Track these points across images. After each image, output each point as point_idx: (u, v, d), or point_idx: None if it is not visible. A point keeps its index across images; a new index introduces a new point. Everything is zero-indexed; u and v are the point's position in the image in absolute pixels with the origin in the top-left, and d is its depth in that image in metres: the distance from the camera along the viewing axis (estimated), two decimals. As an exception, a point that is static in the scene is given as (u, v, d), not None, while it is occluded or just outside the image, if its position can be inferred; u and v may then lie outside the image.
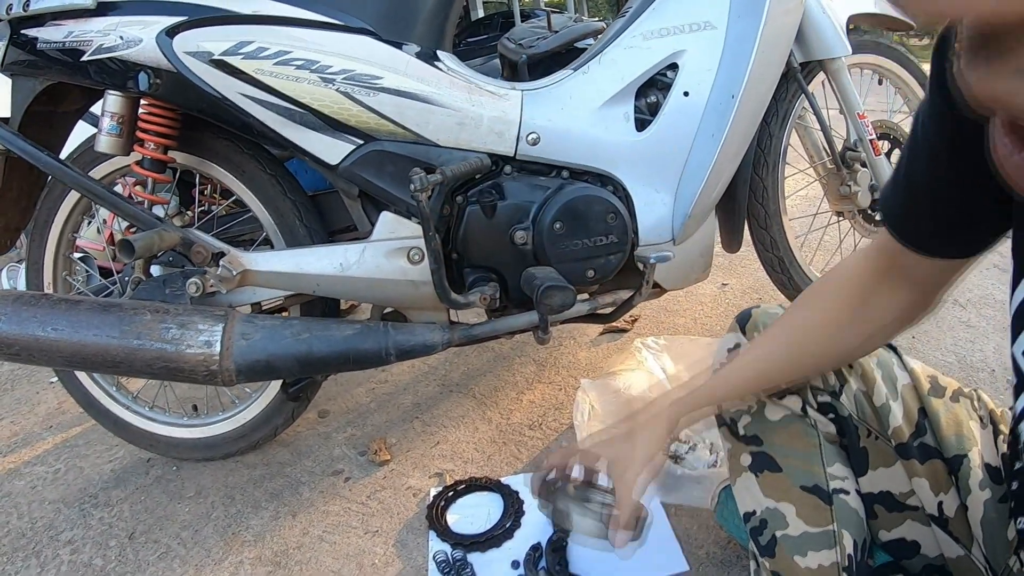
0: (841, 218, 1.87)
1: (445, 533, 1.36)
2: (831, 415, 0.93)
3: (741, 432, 0.95)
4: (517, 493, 1.43)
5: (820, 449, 0.91)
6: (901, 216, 0.73)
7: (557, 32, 1.89)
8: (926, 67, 1.92)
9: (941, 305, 0.85)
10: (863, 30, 1.86)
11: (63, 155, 1.61)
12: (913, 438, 0.89)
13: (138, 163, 1.46)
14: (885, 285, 0.83)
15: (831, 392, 0.92)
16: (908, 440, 0.89)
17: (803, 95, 1.70)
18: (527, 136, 1.40)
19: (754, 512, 0.91)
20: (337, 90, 1.31)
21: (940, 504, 0.88)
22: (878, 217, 1.84)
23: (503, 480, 1.48)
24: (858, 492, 0.91)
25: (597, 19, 2.13)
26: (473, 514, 1.41)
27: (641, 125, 1.45)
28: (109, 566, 1.44)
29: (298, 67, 1.30)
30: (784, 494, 0.89)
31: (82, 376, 1.71)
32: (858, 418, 0.91)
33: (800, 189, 2.05)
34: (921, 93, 1.94)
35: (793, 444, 0.91)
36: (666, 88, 1.47)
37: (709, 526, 1.32)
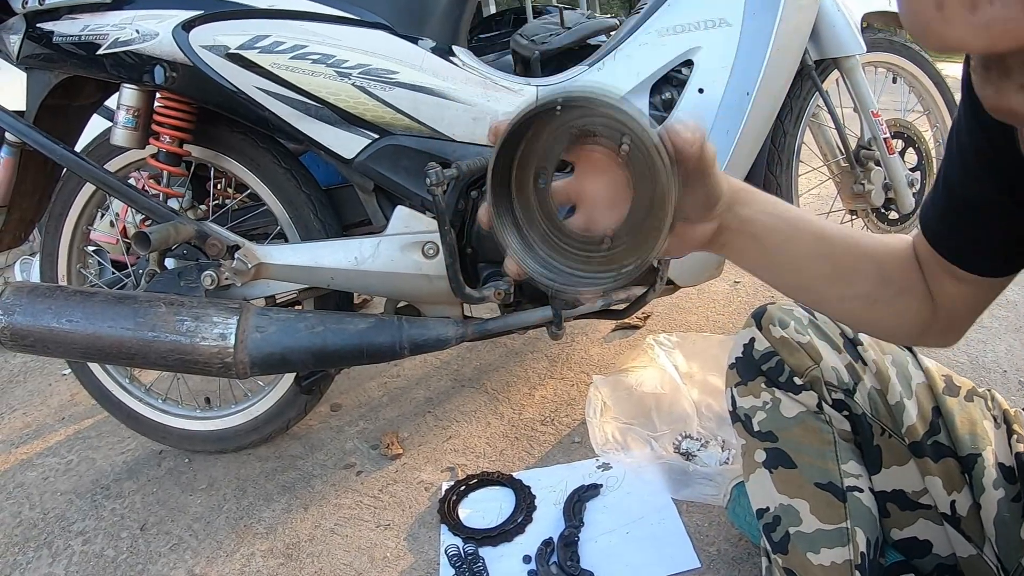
0: (855, 216, 1.87)
1: (457, 527, 1.36)
2: (845, 412, 0.92)
3: (756, 428, 0.94)
4: (529, 488, 1.43)
5: (835, 446, 0.91)
6: (939, 226, 0.68)
7: (570, 28, 1.89)
8: (940, 66, 1.92)
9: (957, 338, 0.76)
10: (877, 28, 1.85)
11: (78, 149, 1.62)
12: (927, 437, 0.88)
13: (153, 156, 1.46)
14: (911, 297, 0.72)
15: (845, 390, 0.92)
16: (922, 438, 0.88)
17: (817, 93, 1.69)
18: (541, 131, 1.39)
19: (768, 508, 0.91)
20: (353, 84, 1.32)
21: (953, 503, 0.87)
22: (892, 216, 1.84)
23: (515, 475, 1.49)
24: (871, 490, 0.91)
25: (610, 16, 2.12)
26: (485, 508, 1.41)
27: (656, 122, 1.45)
28: (120, 557, 1.46)
29: (314, 61, 1.31)
30: (798, 491, 0.89)
31: (95, 368, 1.72)
32: (872, 416, 0.91)
33: (813, 187, 2.04)
34: (935, 92, 1.93)
35: (808, 441, 0.91)
36: (681, 85, 1.46)
37: (721, 523, 1.32)
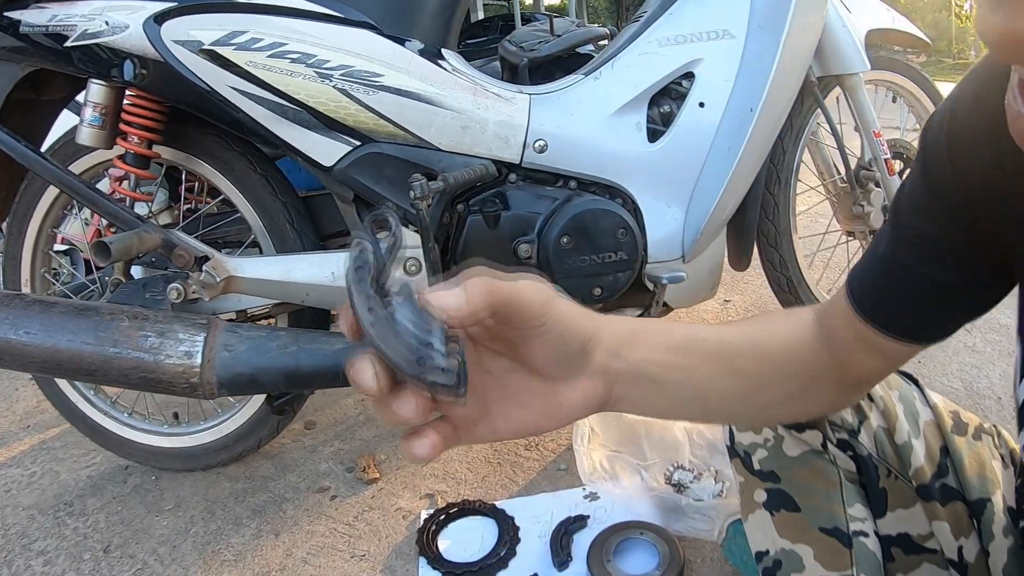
0: (851, 238, 1.76)
1: (436, 560, 1.24)
2: (849, 453, 0.84)
3: (756, 467, 0.86)
4: (512, 519, 1.31)
5: (841, 488, 0.83)
6: (878, 300, 0.62)
7: (559, 36, 1.80)
8: (940, 86, 1.82)
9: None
10: (879, 46, 1.75)
11: (46, 146, 1.48)
12: (935, 479, 0.81)
13: (120, 158, 1.33)
14: (820, 383, 0.68)
15: (849, 431, 0.84)
16: (930, 481, 0.81)
17: (818, 110, 1.59)
18: (534, 143, 1.28)
19: (767, 552, 0.83)
20: (334, 87, 1.19)
21: (960, 549, 0.80)
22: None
23: (497, 504, 1.36)
24: (876, 534, 0.83)
25: (598, 26, 2.04)
26: (465, 540, 1.29)
27: (653, 136, 1.35)
28: None
29: (293, 61, 1.18)
30: (801, 535, 0.82)
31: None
32: (878, 457, 0.83)
33: (811, 207, 1.93)
34: (935, 112, 1.83)
35: (813, 482, 0.83)
36: (680, 98, 1.37)
37: (714, 558, 1.21)
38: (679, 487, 1.33)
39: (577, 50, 1.89)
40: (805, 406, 0.69)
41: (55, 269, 2.05)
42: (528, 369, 0.50)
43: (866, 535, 0.81)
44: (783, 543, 0.82)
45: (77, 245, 2.08)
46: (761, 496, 0.85)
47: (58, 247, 2.29)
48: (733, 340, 0.62)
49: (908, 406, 0.84)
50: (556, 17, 2.00)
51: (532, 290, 0.46)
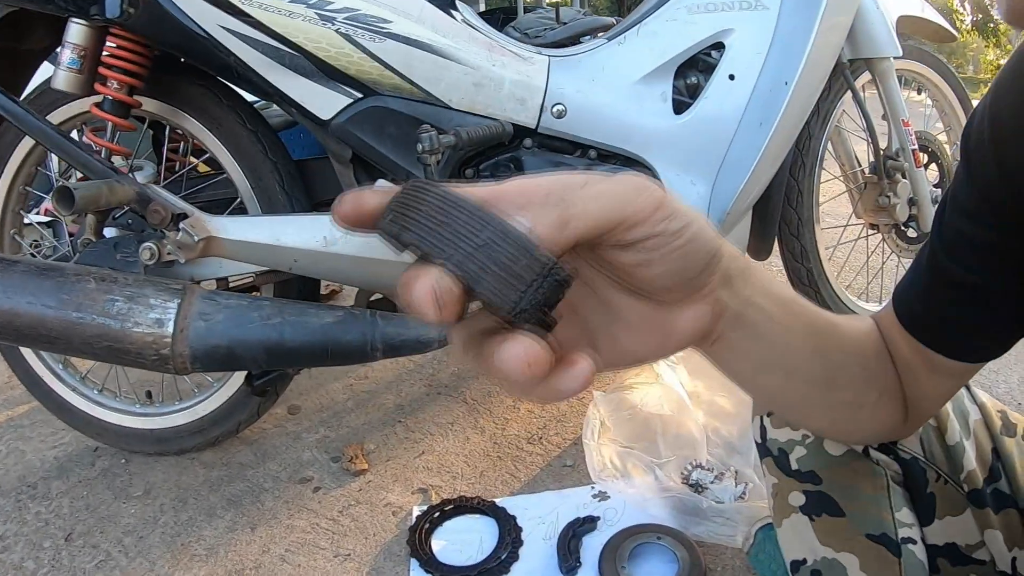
0: (874, 231, 1.62)
1: (429, 562, 1.08)
2: (891, 456, 0.74)
3: (793, 466, 0.75)
4: (514, 518, 1.15)
5: (888, 491, 0.73)
6: (926, 315, 0.57)
7: (565, 24, 1.68)
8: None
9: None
10: (906, 35, 1.61)
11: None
12: (987, 484, 0.72)
13: (98, 105, 1.16)
14: (890, 396, 0.62)
15: None
16: (982, 486, 0.72)
17: (847, 93, 1.45)
18: (552, 107, 1.13)
19: (804, 561, 0.73)
20: (337, 31, 1.03)
21: (1014, 560, 0.71)
22: (910, 234, 1.59)
23: (498, 502, 1.20)
24: (923, 541, 0.73)
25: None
26: (462, 540, 1.13)
27: (679, 108, 1.22)
28: (41, 571, 1.17)
29: (292, 0, 1.02)
30: (846, 543, 0.72)
31: (26, 350, 1.40)
32: (925, 460, 0.74)
33: (833, 198, 1.79)
34: (958, 108, 1.69)
35: (859, 485, 0.73)
36: (709, 69, 1.24)
37: (736, 566, 1.07)
38: (697, 488, 1.18)
39: (582, 39, 1.76)
40: (871, 421, 0.61)
41: (37, 241, 1.89)
42: (638, 292, 0.39)
43: (914, 542, 0.71)
44: (824, 551, 0.71)
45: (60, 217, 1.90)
46: (798, 499, 0.74)
47: (41, 219, 2.13)
48: (823, 316, 0.52)
49: (957, 403, 0.74)
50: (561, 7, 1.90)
51: (640, 196, 0.34)
